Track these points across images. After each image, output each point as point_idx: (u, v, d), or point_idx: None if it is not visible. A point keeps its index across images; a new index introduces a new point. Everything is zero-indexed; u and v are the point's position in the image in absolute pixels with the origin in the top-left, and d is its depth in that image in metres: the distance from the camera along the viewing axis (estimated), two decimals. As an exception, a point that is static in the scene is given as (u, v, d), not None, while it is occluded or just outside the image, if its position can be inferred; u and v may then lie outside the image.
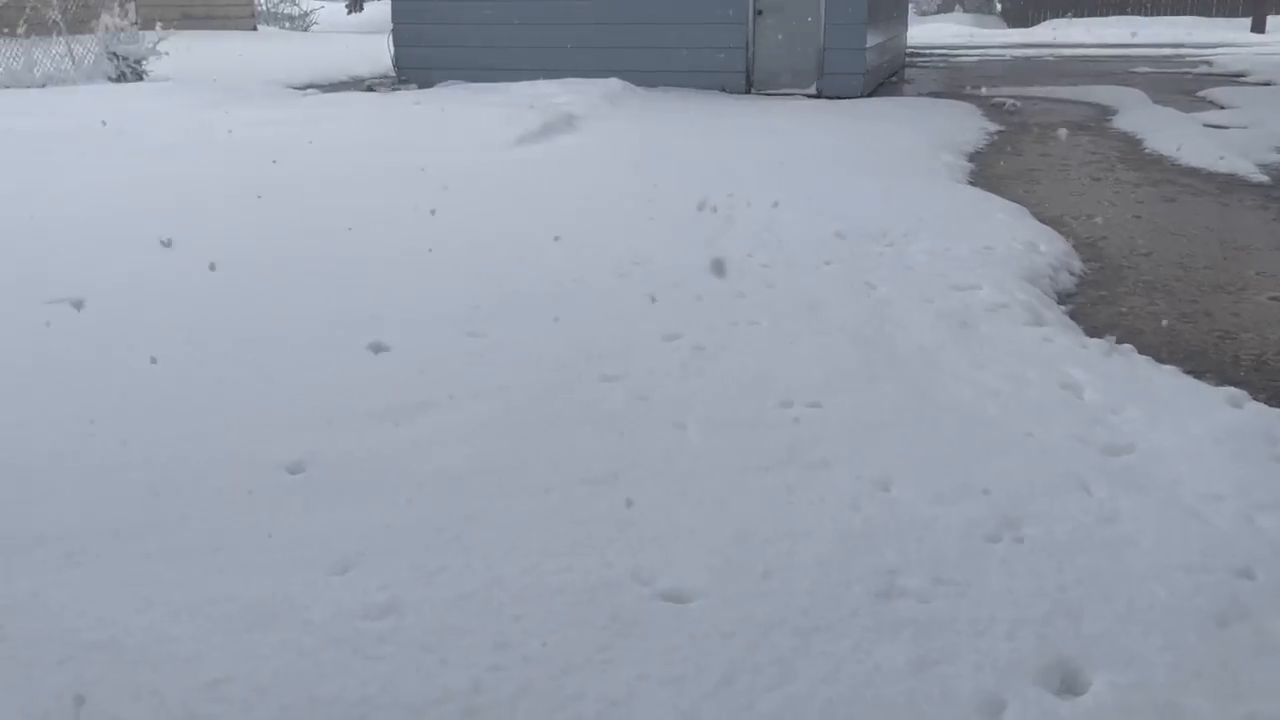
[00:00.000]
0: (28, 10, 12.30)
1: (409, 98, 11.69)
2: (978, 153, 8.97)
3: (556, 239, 5.37)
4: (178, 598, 2.38)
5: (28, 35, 12.30)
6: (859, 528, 2.71)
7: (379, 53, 17.63)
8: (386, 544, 2.63)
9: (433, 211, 5.73)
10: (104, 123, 8.57)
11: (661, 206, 6.27)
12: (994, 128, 10.34)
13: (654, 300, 4.59)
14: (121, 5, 12.97)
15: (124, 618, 2.30)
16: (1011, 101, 12.06)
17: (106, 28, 12.75)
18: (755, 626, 2.28)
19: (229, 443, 3.18)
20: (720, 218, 5.99)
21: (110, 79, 12.73)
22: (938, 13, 34.36)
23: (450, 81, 14.26)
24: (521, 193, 6.77)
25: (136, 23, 13.16)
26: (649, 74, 13.40)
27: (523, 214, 6.14)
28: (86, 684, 2.08)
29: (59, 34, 12.73)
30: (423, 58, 14.53)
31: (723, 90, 13.39)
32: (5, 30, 12.03)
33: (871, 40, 13.47)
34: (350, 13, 31.08)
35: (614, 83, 12.47)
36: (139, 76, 13.00)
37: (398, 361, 3.83)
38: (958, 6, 35.22)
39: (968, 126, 10.30)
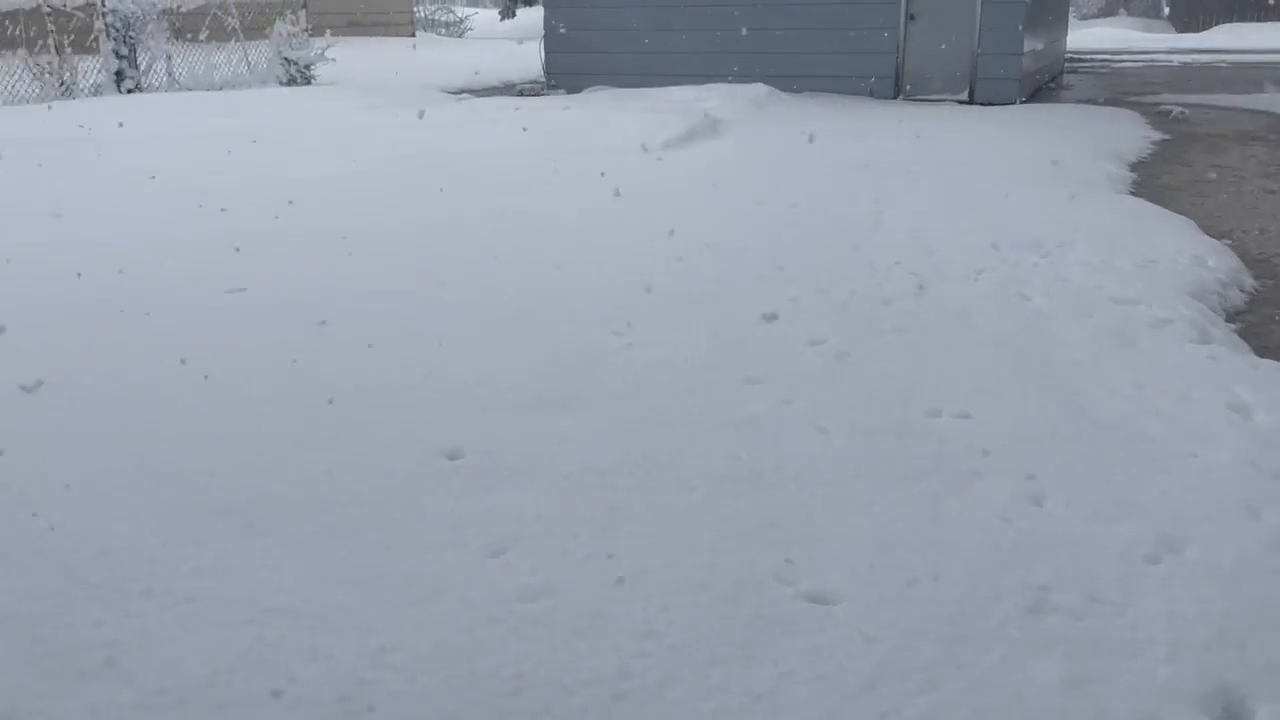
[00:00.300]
0: (209, 18, 13.13)
1: (559, 103, 11.97)
2: (1141, 162, 8.60)
3: (706, 245, 5.43)
4: (348, 570, 2.54)
5: (209, 41, 13.16)
6: (1010, 541, 2.66)
7: (529, 59, 18.11)
8: (538, 530, 2.74)
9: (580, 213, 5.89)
10: (293, 134, 9.08)
11: (806, 211, 6.26)
12: (1159, 136, 9.89)
13: (796, 303, 4.60)
14: (294, 13, 13.72)
15: (300, 586, 2.47)
16: (1179, 109, 11.49)
17: (280, 34, 13.51)
18: (900, 633, 2.28)
19: (394, 429, 3.35)
20: (866, 224, 5.94)
21: (281, 82, 13.49)
22: (1100, 16, 32.94)
23: (598, 87, 14.54)
24: (664, 196, 6.86)
25: (308, 29, 13.89)
26: (796, 79, 13.35)
27: (665, 217, 6.22)
28: (268, 644, 2.24)
29: (237, 40, 13.55)
30: (572, 64, 14.86)
31: (871, 96, 13.22)
32: (189, 36, 12.89)
33: (1028, 45, 13.07)
34: (503, 19, 31.92)
35: (760, 88, 12.48)
36: (307, 80, 13.74)
37: (543, 357, 3.96)
38: (1121, 10, 33.68)
39: (1130, 135, 9.88)
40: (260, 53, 13.62)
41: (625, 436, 3.30)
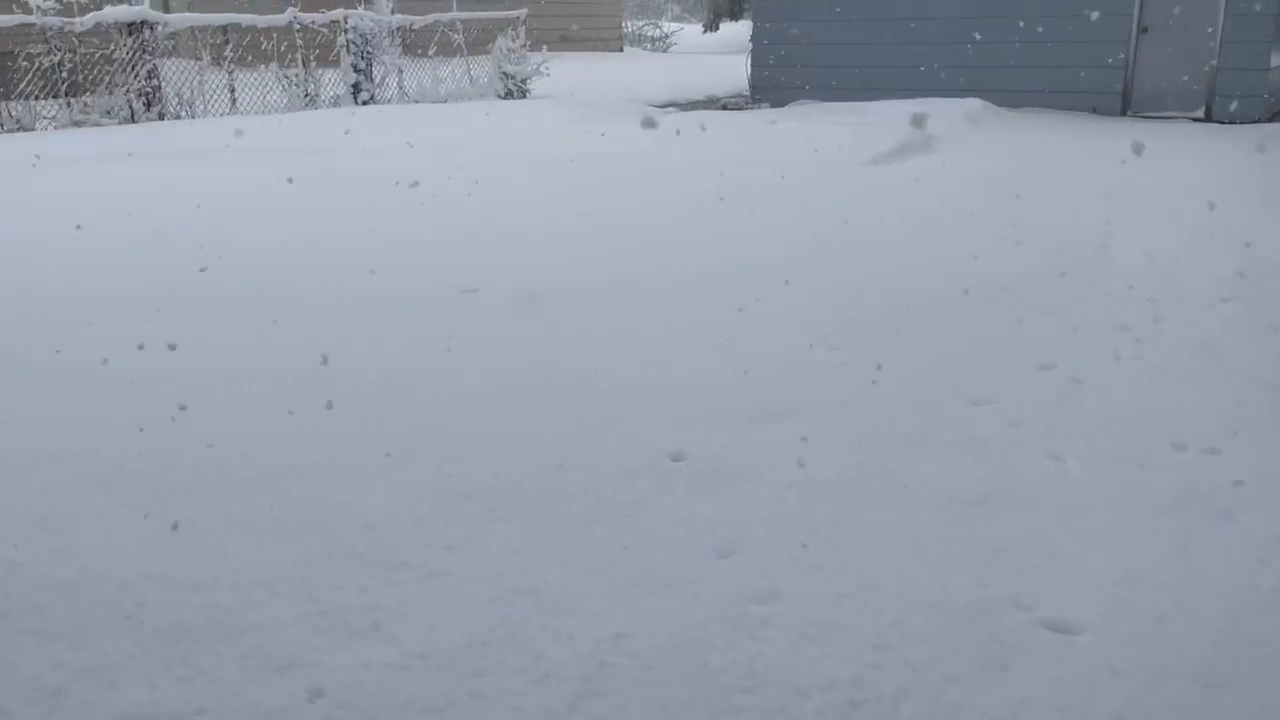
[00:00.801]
0: (438, 34, 13.92)
1: (765, 116, 12.02)
2: None
3: (920, 264, 5.34)
4: (584, 559, 2.66)
5: (436, 55, 13.96)
6: (1269, 583, 2.50)
7: (733, 73, 18.25)
8: (763, 536, 2.77)
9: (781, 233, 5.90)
10: (507, 146, 9.53)
11: (1027, 231, 6.04)
12: None
13: (1022, 323, 4.47)
14: (514, 30, 14.37)
15: (542, 570, 2.60)
16: None
17: (500, 50, 14.17)
18: (1151, 670, 2.18)
19: (618, 428, 3.48)
20: (1093, 245, 5.68)
21: (499, 95, 14.14)
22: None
23: (803, 101, 14.49)
24: (872, 211, 6.78)
25: (526, 45, 14.51)
26: (1013, 94, 12.87)
27: (875, 233, 6.15)
28: (515, 621, 2.38)
29: (461, 55, 14.31)
30: (777, 78, 14.87)
31: (1094, 111, 12.58)
32: (419, 51, 13.71)
33: (1275, 59, 12.11)
34: (706, 33, 32.34)
35: (974, 103, 12.10)
36: (523, 94, 14.34)
37: (764, 368, 4.00)
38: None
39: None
40: (481, 67, 14.33)
41: (846, 450, 3.29)
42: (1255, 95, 11.86)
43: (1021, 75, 12.94)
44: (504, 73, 14.19)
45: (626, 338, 4.36)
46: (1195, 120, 12.07)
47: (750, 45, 15.35)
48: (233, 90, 11.28)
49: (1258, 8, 11.60)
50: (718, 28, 32.00)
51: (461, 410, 3.63)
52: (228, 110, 11.16)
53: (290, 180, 7.01)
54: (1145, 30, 12.32)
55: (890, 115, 11.42)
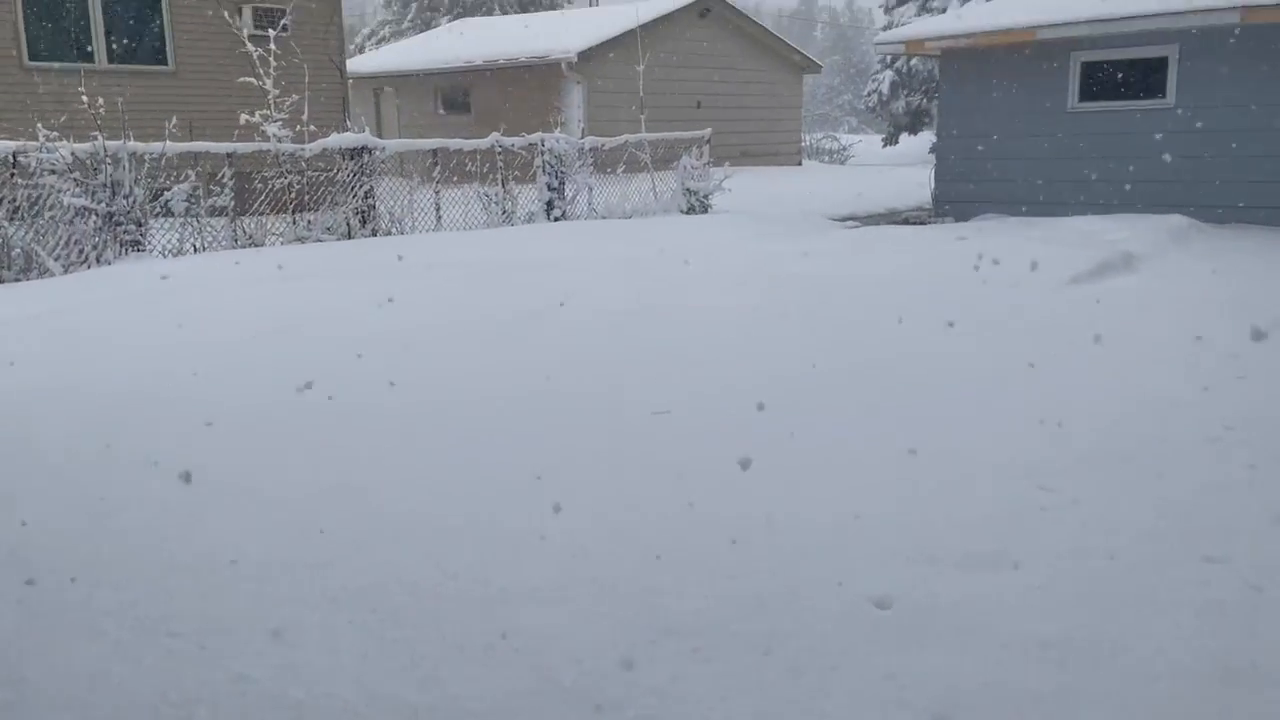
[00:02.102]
0: (626, 154, 14.53)
1: (950, 232, 11.85)
2: None
3: (1136, 398, 5.08)
4: (795, 710, 2.59)
5: (624, 172, 14.54)
6: None
7: (912, 186, 18.20)
8: (984, 700, 2.64)
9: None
10: (686, 261, 9.71)
11: (1253, 360, 5.64)
12: None
13: (1254, 470, 4.15)
14: (698, 149, 14.83)
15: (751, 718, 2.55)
16: None
17: (684, 167, 14.63)
18: None
19: (821, 567, 3.41)
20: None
21: (682, 211, 14.54)
22: None
23: (988, 215, 14.24)
24: (1074, 333, 6.50)
25: (709, 162, 14.93)
26: (1218, 209, 12.28)
27: (1075, 357, 5.89)
28: (725, 776, 2.34)
29: (647, 170, 14.85)
30: (961, 192, 14.71)
31: (1317, 230, 11.83)
32: (609, 170, 14.32)
33: None
34: (885, 146, 32.44)
35: (1177, 219, 11.59)
36: (705, 210, 14.70)
37: (968, 510, 3.86)
38: None
39: None
40: (665, 182, 14.80)
41: (1068, 608, 3.11)
42: None
43: (1228, 190, 12.33)
44: (687, 189, 14.60)
45: (819, 470, 4.31)
46: None
47: (934, 158, 15.29)
48: (438, 209, 12.06)
49: None
50: (897, 141, 32.05)
51: (662, 539, 3.64)
52: (433, 226, 11.94)
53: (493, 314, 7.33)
54: (1371, 144, 11.56)
55: (1084, 232, 11.08)
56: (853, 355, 6.06)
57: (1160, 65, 12.86)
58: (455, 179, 12.49)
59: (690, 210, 14.62)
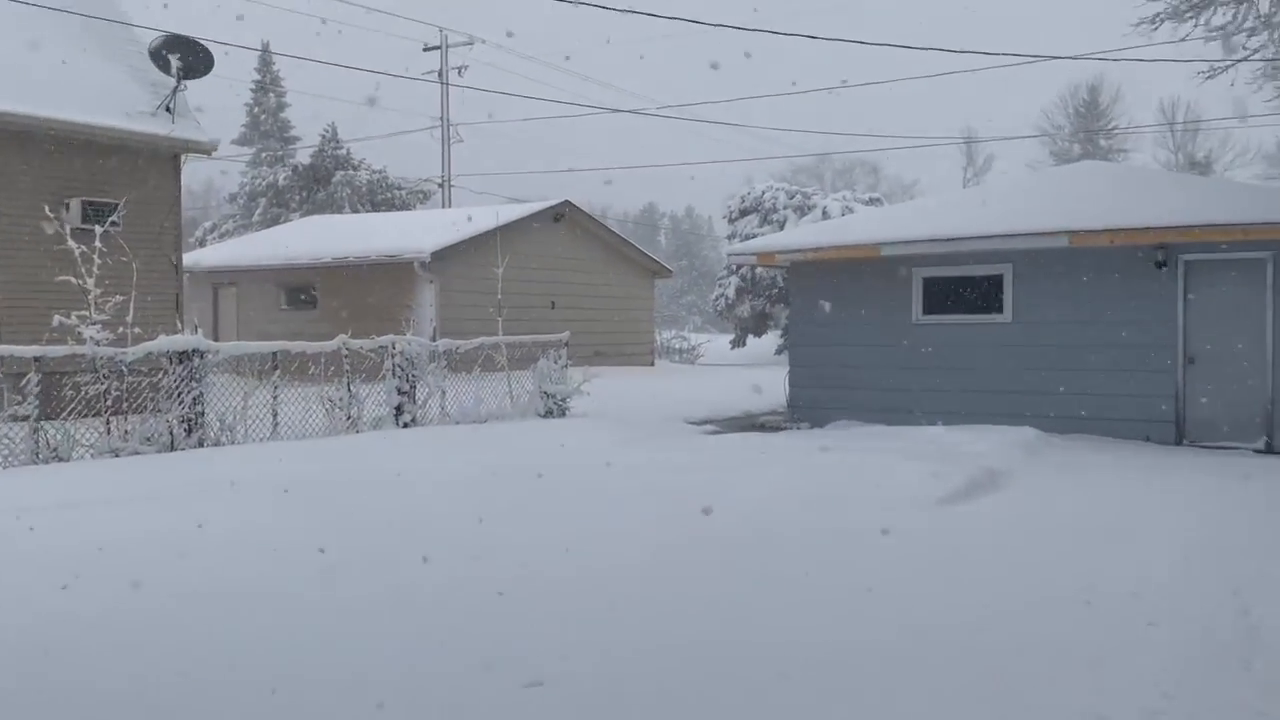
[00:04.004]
0: (483, 357, 14.08)
1: (811, 441, 11.73)
2: None
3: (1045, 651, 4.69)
4: None
5: (479, 373, 14.04)
6: None
7: (766, 387, 18.36)
8: None
9: (869, 589, 5.29)
10: (540, 475, 9.15)
11: (1149, 603, 5.39)
12: None
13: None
14: (557, 351, 14.54)
15: None
16: None
17: (542, 370, 14.26)
18: None
19: None
20: (1237, 625, 5.01)
21: (540, 414, 14.06)
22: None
23: (843, 421, 14.34)
24: (963, 562, 6.20)
25: (568, 365, 14.63)
26: (1060, 420, 12.69)
27: (977, 590, 5.54)
28: None
29: (503, 370, 14.38)
30: (815, 398, 14.83)
31: (1147, 440, 12.29)
32: (464, 370, 13.80)
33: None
34: (733, 347, 33.30)
35: (1028, 432, 11.85)
36: (563, 413, 14.27)
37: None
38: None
39: None
40: (523, 384, 14.35)
41: None
42: (1318, 428, 11.58)
43: (1070, 402, 12.79)
44: (545, 392, 14.19)
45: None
46: (1256, 452, 11.72)
47: (781, 358, 15.47)
48: (275, 414, 11.15)
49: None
50: (744, 342, 33.00)
51: None
52: (269, 435, 10.98)
53: (322, 550, 6.53)
54: (1192, 361, 12.27)
55: (941, 443, 11.14)
56: (788, 631, 5.51)
57: (997, 282, 13.53)
58: (297, 379, 11.67)
59: (548, 414, 14.16)
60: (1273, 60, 14.13)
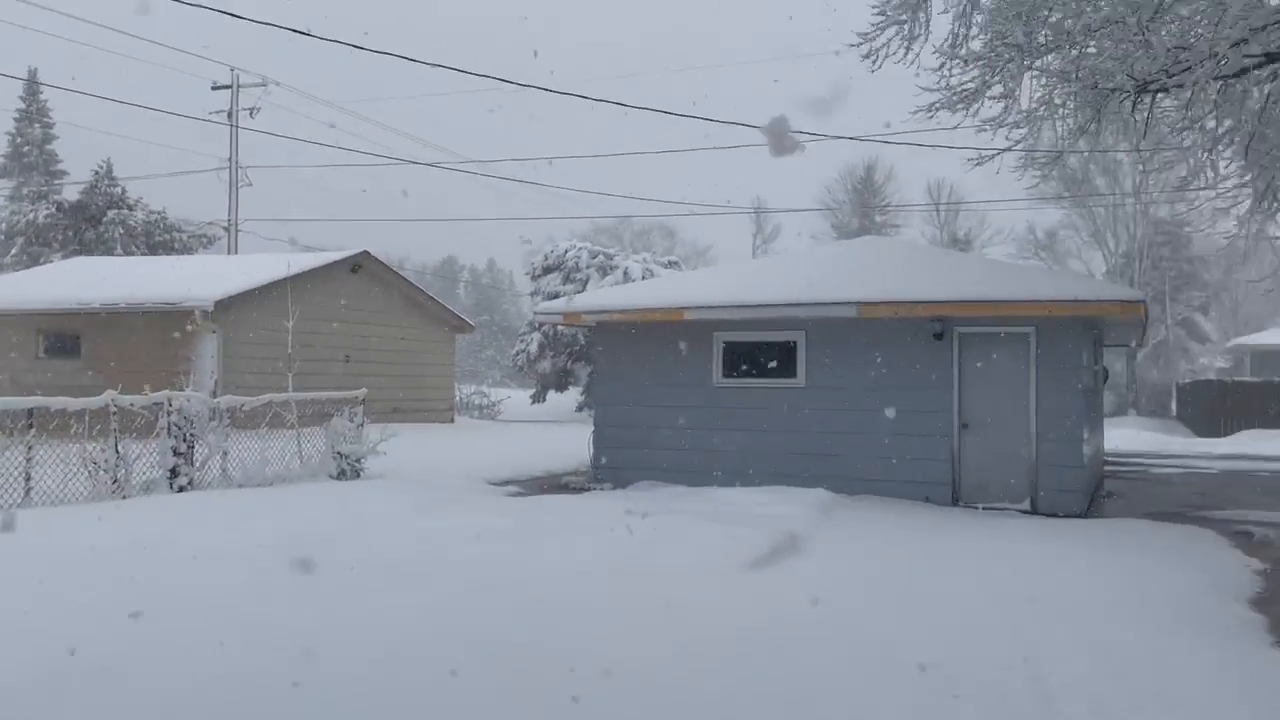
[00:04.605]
0: (270, 415, 13.26)
1: (616, 503, 11.66)
2: (1262, 599, 8.03)
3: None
4: None
5: (267, 430, 13.19)
6: None
7: (568, 445, 18.28)
8: None
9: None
10: (315, 545, 8.63)
11: (948, 676, 5.55)
12: (1258, 565, 9.40)
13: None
14: (352, 409, 13.90)
15: None
16: (1261, 532, 11.12)
17: (335, 429, 13.59)
18: None
19: None
20: (1026, 692, 5.25)
21: (332, 476, 13.35)
22: (1113, 414, 33.99)
23: (646, 482, 14.41)
24: (770, 642, 6.23)
25: (363, 424, 14.00)
26: (851, 482, 13.20)
27: (784, 679, 5.56)
28: None
29: (293, 427, 13.59)
30: (619, 458, 14.85)
31: (927, 501, 12.99)
32: (249, 427, 12.94)
33: (1087, 453, 13.05)
34: (534, 402, 33.07)
35: (822, 494, 12.26)
36: (357, 474, 13.62)
37: None
38: (1131, 410, 34.82)
39: (1226, 563, 9.42)
40: (314, 443, 13.61)
41: None
42: (1075, 490, 12.58)
43: (859, 465, 13.36)
44: (339, 452, 13.51)
45: None
46: (1023, 512, 12.58)
47: (583, 415, 15.42)
48: (29, 477, 10.01)
49: (1064, 407, 12.60)
50: (545, 398, 32.84)
51: None
52: (20, 501, 9.82)
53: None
54: (966, 426, 13.11)
55: (743, 506, 11.35)
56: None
57: (792, 348, 14.05)
58: (58, 437, 10.54)
59: (341, 475, 13.47)
60: (1032, 151, 15.50)
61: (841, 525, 10.72)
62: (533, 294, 32.84)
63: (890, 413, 13.28)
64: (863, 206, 62.12)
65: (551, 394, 33.14)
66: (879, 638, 6.17)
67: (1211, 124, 13.80)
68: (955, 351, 13.16)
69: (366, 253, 24.33)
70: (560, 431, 23.83)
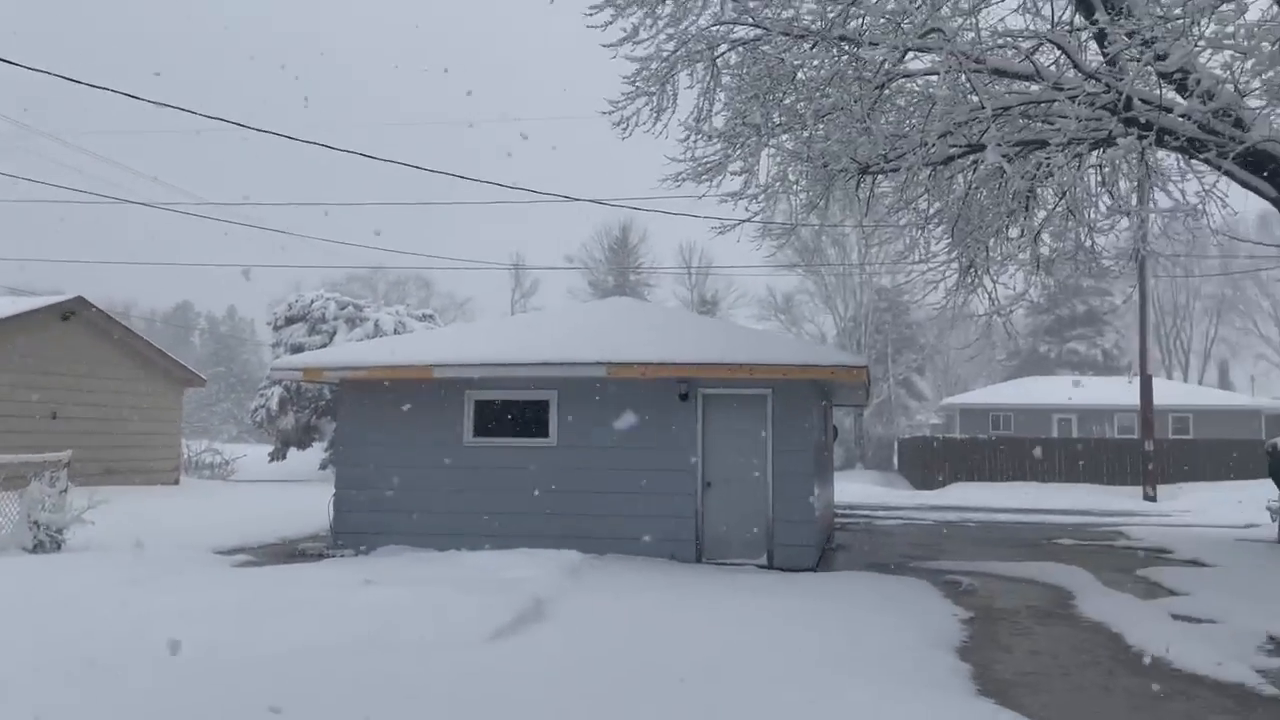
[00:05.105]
0: (-46, 477, 11.72)
1: (353, 572, 11.09)
2: (966, 648, 8.69)
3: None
4: None
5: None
6: None
7: (308, 507, 17.31)
8: None
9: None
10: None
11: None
12: (964, 614, 10.20)
13: None
14: (53, 473, 12.53)
15: None
16: (968, 581, 12.12)
17: (33, 496, 12.18)
18: None
19: None
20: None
21: (26, 549, 11.93)
22: (843, 468, 36.35)
23: (391, 547, 13.85)
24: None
25: (66, 489, 12.62)
26: (599, 541, 13.26)
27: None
28: None
29: (-20, 497, 12.08)
30: (363, 522, 14.22)
31: (672, 558, 13.25)
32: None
33: (818, 510, 13.78)
34: (273, 460, 31.19)
35: (572, 555, 12.23)
36: (57, 546, 12.24)
37: None
38: (859, 464, 37.40)
39: (937, 612, 10.16)
40: (5, 512, 12.13)
41: None
42: (808, 545, 13.24)
43: (608, 523, 13.45)
44: (36, 521, 12.09)
45: None
46: (760, 567, 13.09)
47: (326, 473, 14.63)
48: None
49: (799, 466, 13.30)
50: (285, 455, 31.07)
51: None
52: None
53: None
54: (709, 485, 13.54)
55: (489, 570, 11.13)
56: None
57: (544, 407, 14.04)
58: None
59: (39, 547, 12.06)
60: (769, 223, 16.46)
61: (589, 587, 10.70)
62: (275, 345, 31.14)
63: (638, 472, 13.52)
64: (618, 266, 63.80)
65: (293, 451, 31.41)
66: (620, 710, 6.14)
67: (924, 205, 15.26)
68: (700, 412, 13.61)
69: (81, 298, 22.17)
70: (301, 492, 22.55)
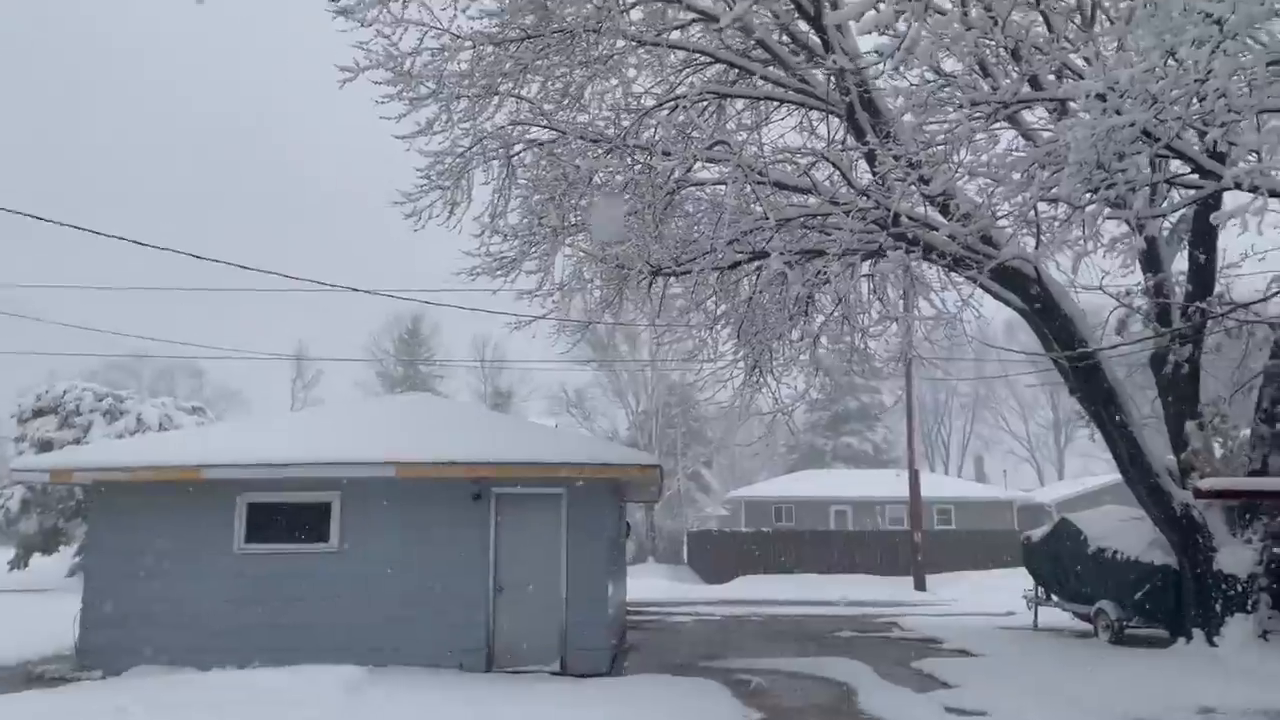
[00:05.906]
0: None
1: (96, 701, 9.90)
2: (761, 755, 8.69)
3: None
4: None
5: None
6: None
7: (50, 621, 15.49)
8: None
9: None
10: None
11: None
12: (754, 715, 10.24)
13: None
14: None
15: None
16: (756, 681, 12.21)
17: None
18: None
19: None
20: None
21: None
22: (634, 562, 36.40)
23: (146, 666, 12.54)
24: None
25: None
26: (385, 652, 12.54)
27: None
28: None
29: None
30: (118, 640, 12.81)
31: (461, 668, 12.67)
32: None
33: (611, 612, 13.60)
34: (12, 569, 27.95)
35: (350, 672, 11.45)
36: None
37: None
38: (650, 557, 37.56)
39: (728, 716, 10.15)
40: None
41: None
42: (601, 649, 12.99)
43: (394, 633, 12.75)
44: None
45: None
46: (554, 674, 12.72)
47: (82, 602, 13.14)
48: None
49: (594, 567, 13.11)
50: (27, 563, 27.91)
51: None
52: None
53: None
54: (501, 589, 13.10)
55: (257, 690, 10.28)
56: None
57: (326, 510, 13.25)
58: None
59: None
60: (564, 320, 16.55)
61: (369, 707, 10.01)
62: (18, 440, 28.19)
63: (428, 578, 12.94)
64: (409, 358, 62.40)
65: (37, 557, 28.28)
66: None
67: (712, 306, 15.82)
68: (493, 513, 13.24)
69: None
70: (45, 604, 20.22)
